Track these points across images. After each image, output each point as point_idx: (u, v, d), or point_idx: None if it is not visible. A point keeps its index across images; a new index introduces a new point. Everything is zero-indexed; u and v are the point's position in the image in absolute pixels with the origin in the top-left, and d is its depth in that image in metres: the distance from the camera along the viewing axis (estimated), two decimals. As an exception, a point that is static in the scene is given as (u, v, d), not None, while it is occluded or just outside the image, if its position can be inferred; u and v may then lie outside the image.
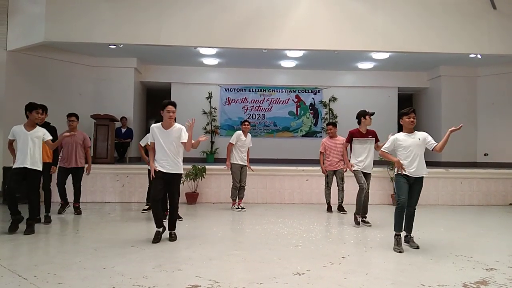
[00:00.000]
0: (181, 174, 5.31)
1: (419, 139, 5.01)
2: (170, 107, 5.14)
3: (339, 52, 9.59)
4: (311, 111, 13.07)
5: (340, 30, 8.93)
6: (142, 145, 7.24)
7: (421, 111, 13.67)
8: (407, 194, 4.98)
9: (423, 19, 9.01)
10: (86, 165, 7.31)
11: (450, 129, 4.98)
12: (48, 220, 6.33)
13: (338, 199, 7.67)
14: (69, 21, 8.58)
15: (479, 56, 9.79)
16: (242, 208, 7.87)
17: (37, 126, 5.74)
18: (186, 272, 3.86)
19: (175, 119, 5.28)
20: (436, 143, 5.02)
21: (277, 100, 13.05)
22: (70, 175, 7.18)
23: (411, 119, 5.02)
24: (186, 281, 3.57)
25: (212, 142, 12.57)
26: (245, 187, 8.02)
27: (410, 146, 4.97)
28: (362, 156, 6.41)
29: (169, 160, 5.09)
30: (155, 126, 5.19)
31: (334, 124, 7.92)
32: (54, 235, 5.71)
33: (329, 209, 7.75)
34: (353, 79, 12.91)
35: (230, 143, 7.93)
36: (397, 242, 4.90)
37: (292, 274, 3.80)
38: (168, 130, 5.14)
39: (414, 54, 9.92)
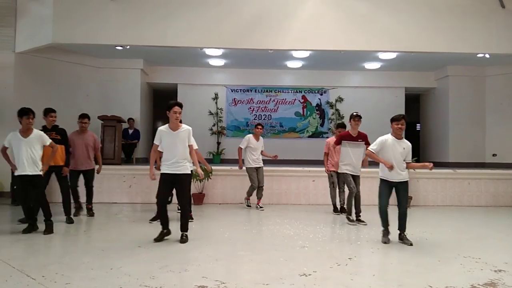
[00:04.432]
0: (188, 174, 5.29)
1: (404, 148, 5.18)
2: (176, 108, 5.13)
3: (345, 52, 9.56)
4: (318, 112, 13.04)
5: (346, 30, 8.90)
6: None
7: (428, 111, 13.61)
8: (388, 199, 5.27)
9: (430, 19, 8.95)
10: (97, 166, 7.27)
11: (427, 165, 5.24)
12: (70, 221, 6.40)
13: (340, 201, 7.64)
14: (76, 23, 8.64)
15: (487, 55, 9.71)
16: (261, 208, 8.08)
17: (33, 130, 5.63)
18: (193, 272, 3.87)
19: (180, 120, 5.30)
20: (410, 161, 5.24)
21: (283, 100, 13.03)
22: (82, 176, 7.11)
23: (399, 126, 5.17)
24: (193, 281, 3.58)
25: (218, 143, 12.59)
26: (263, 187, 8.20)
27: (394, 152, 5.15)
28: (349, 159, 6.57)
29: (175, 161, 5.09)
30: (163, 127, 5.21)
31: (344, 126, 7.89)
32: (62, 235, 5.74)
33: (336, 210, 7.72)
34: (359, 79, 12.86)
35: (239, 147, 8.24)
36: (383, 234, 5.31)
37: (299, 275, 3.80)
38: (176, 132, 5.14)
39: (421, 54, 9.87)
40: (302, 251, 4.82)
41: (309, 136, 12.93)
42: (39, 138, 5.64)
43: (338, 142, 6.74)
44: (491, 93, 12.00)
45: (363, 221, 6.55)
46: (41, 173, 5.64)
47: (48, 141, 5.74)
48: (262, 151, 8.28)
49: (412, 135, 13.99)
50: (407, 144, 5.23)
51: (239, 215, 7.55)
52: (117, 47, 9.73)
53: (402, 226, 5.26)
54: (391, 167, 5.08)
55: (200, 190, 8.73)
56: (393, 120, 5.26)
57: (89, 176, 7.14)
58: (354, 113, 6.70)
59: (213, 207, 8.47)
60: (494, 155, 11.79)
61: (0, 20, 9.38)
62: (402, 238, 5.22)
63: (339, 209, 7.68)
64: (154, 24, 8.71)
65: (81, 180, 7.14)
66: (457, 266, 4.21)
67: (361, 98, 12.66)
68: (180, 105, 5.21)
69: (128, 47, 9.43)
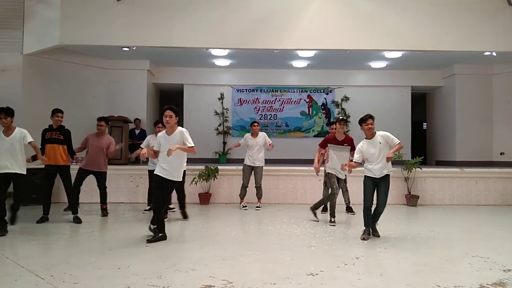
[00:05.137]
0: (178, 182, 5.29)
1: (380, 142, 5.36)
2: (167, 112, 5.15)
3: (351, 51, 9.53)
4: (323, 111, 13.01)
5: (352, 29, 8.87)
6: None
7: (435, 110, 13.53)
8: (372, 196, 5.46)
9: (436, 17, 8.90)
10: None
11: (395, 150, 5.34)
12: (78, 221, 6.43)
13: (345, 201, 7.61)
14: (83, 24, 8.71)
15: (494, 53, 9.64)
16: (257, 207, 8.05)
17: (16, 129, 5.65)
18: (199, 272, 3.88)
19: (177, 123, 5.27)
20: (398, 142, 5.32)
21: (289, 100, 13.03)
22: (93, 177, 7.14)
23: (369, 126, 5.38)
24: (200, 281, 3.59)
25: (224, 143, 12.61)
26: (261, 187, 8.13)
27: (375, 152, 5.32)
28: (335, 162, 6.57)
29: (169, 166, 5.10)
30: (160, 134, 5.30)
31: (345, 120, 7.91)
32: (70, 235, 5.79)
33: (325, 209, 7.66)
34: (365, 78, 12.82)
35: (239, 142, 8.44)
36: (364, 232, 5.48)
37: (306, 275, 3.79)
38: (170, 136, 5.16)
39: (427, 53, 9.82)
40: (309, 250, 4.81)
41: (314, 136, 12.89)
42: (20, 135, 5.63)
43: (323, 146, 6.74)
44: (498, 91, 11.91)
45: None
46: (24, 172, 5.66)
47: (29, 139, 5.70)
48: (270, 143, 8.19)
49: (419, 134, 13.95)
50: (381, 136, 5.39)
51: (245, 214, 7.56)
52: (123, 48, 9.79)
53: (374, 218, 5.52)
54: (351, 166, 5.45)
55: (207, 190, 8.75)
56: (361, 121, 5.48)
57: (100, 178, 7.17)
58: (340, 117, 6.86)
59: (220, 206, 8.49)
60: (502, 153, 11.70)
61: (8, 22, 9.47)
62: (373, 228, 5.54)
63: (345, 208, 7.66)
64: (160, 25, 8.75)
65: (94, 182, 7.22)
66: (466, 266, 4.18)
67: (367, 97, 12.63)
68: (172, 109, 5.18)
69: (134, 48, 9.48)
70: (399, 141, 5.33)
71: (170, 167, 5.11)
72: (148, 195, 7.54)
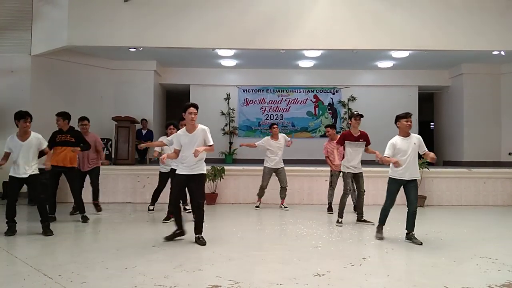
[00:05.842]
0: (204, 174, 5.22)
1: (415, 143, 5.20)
2: (192, 109, 5.07)
3: (357, 51, 9.50)
4: (330, 111, 12.98)
5: (359, 29, 8.84)
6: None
7: (442, 110, 13.45)
8: (395, 199, 5.35)
9: (443, 16, 8.85)
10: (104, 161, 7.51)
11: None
12: (85, 220, 6.52)
13: (352, 200, 7.57)
14: (90, 25, 8.77)
15: (502, 53, 9.56)
16: (285, 208, 8.08)
17: (31, 134, 5.65)
18: (206, 272, 3.89)
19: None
20: (426, 150, 5.22)
21: (295, 100, 13.01)
22: (88, 177, 7.29)
23: (409, 123, 5.21)
24: (206, 281, 3.60)
25: (231, 143, 12.62)
26: (286, 187, 8.12)
27: (407, 150, 5.16)
28: (354, 159, 6.49)
29: (192, 162, 5.05)
30: (180, 131, 5.17)
31: (332, 126, 8.00)
32: (77, 235, 5.83)
33: (330, 209, 7.69)
34: (372, 78, 12.77)
35: (255, 143, 8.27)
36: (378, 230, 5.47)
37: (312, 275, 3.78)
38: (192, 134, 5.08)
39: (435, 52, 9.76)
40: (315, 251, 4.80)
41: (321, 136, 12.84)
42: (37, 141, 5.65)
43: (341, 143, 6.60)
44: (506, 91, 11.80)
45: (369, 221, 6.49)
46: (36, 172, 5.64)
47: (44, 144, 5.76)
48: (289, 141, 8.23)
49: (426, 134, 13.85)
50: (417, 138, 5.27)
51: (252, 215, 7.56)
52: (130, 49, 9.83)
53: (411, 226, 5.25)
54: (397, 164, 5.07)
55: (213, 190, 8.76)
56: (400, 117, 5.25)
57: (93, 175, 7.34)
58: (355, 112, 6.68)
59: (226, 207, 8.50)
60: (510, 153, 11.60)
61: (16, 23, 9.56)
62: (411, 237, 5.21)
63: (353, 207, 7.63)
64: (167, 26, 8.79)
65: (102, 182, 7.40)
66: (473, 267, 4.15)
67: (374, 97, 12.58)
68: (196, 106, 5.14)
69: (141, 49, 9.52)
70: (427, 150, 5.24)
71: (195, 162, 5.06)
72: (153, 195, 7.55)
